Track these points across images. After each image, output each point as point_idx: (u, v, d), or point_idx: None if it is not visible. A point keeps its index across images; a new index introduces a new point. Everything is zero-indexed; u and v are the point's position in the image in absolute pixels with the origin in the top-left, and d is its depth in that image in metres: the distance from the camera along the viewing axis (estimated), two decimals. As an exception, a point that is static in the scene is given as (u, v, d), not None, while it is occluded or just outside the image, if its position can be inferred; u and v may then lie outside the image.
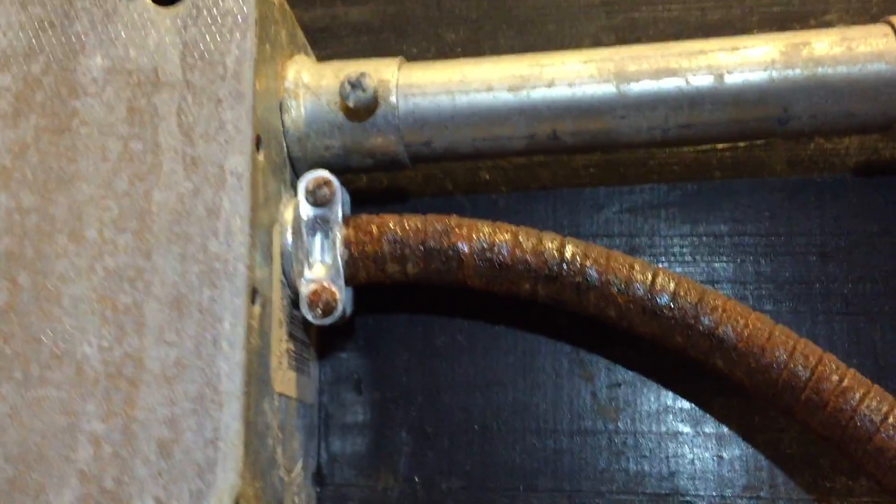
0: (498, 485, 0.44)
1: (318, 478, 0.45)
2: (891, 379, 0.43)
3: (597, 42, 0.49)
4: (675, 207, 0.47)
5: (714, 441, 0.44)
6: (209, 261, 0.35)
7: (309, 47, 0.47)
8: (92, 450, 0.34)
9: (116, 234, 0.36)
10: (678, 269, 0.46)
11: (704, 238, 0.46)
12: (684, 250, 0.46)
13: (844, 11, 0.48)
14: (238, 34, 0.38)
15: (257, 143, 0.38)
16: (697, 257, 0.46)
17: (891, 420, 0.36)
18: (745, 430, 0.43)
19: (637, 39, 0.49)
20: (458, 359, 0.46)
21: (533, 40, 0.50)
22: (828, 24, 0.48)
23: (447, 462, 0.45)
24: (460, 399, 0.45)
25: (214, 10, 0.38)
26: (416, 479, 0.44)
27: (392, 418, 0.45)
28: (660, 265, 0.46)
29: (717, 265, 0.46)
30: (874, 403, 0.36)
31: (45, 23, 0.39)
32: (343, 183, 0.42)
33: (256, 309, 0.36)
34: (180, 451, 0.34)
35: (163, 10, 0.39)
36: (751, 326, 0.38)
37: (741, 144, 0.47)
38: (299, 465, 0.42)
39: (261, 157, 0.38)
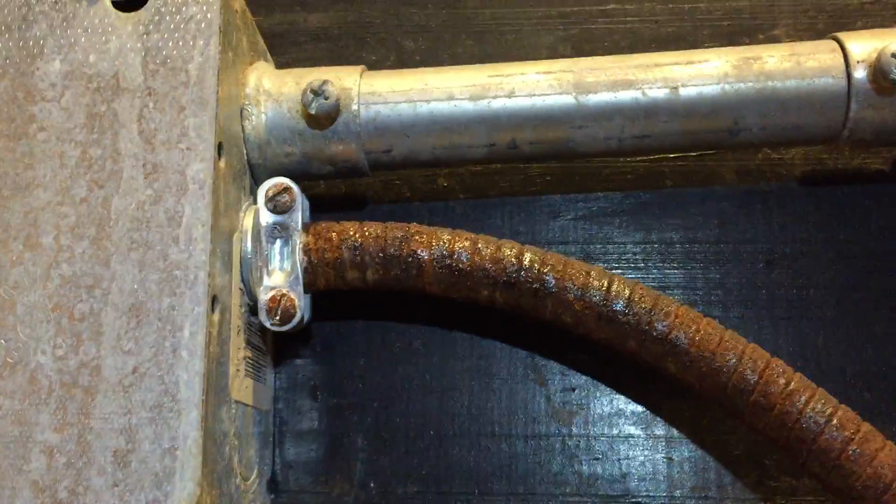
0: (453, 489, 0.44)
1: (273, 485, 0.45)
2: (833, 381, 0.44)
3: (554, 52, 0.50)
4: (629, 215, 0.48)
5: (664, 443, 0.45)
6: (169, 268, 0.35)
7: (268, 53, 0.47)
8: (45, 460, 0.34)
9: (74, 241, 0.36)
10: (631, 276, 0.47)
11: (656, 245, 0.47)
12: (637, 257, 0.47)
13: (791, 27, 0.49)
14: (201, 41, 0.38)
15: (219, 149, 0.38)
16: (650, 264, 0.47)
17: (834, 422, 0.37)
18: (694, 433, 0.45)
19: (593, 51, 0.50)
20: (414, 364, 0.46)
21: (491, 50, 0.50)
22: (776, 39, 0.49)
23: (403, 467, 0.45)
24: (416, 404, 0.46)
25: (178, 16, 0.38)
26: (372, 485, 0.45)
27: (348, 424, 0.46)
28: (614, 271, 0.47)
29: (668, 271, 0.47)
30: (819, 406, 0.38)
31: (2, 26, 0.38)
32: (301, 189, 0.42)
33: (216, 317, 0.36)
34: (137, 461, 0.33)
35: (124, 16, 0.38)
36: (702, 332, 0.39)
37: (692, 154, 0.48)
38: (255, 472, 0.42)
39: (222, 164, 0.38)
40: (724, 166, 0.48)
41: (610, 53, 0.48)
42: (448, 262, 0.41)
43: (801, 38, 0.49)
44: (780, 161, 0.48)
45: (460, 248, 0.41)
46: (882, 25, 0.49)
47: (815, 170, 0.47)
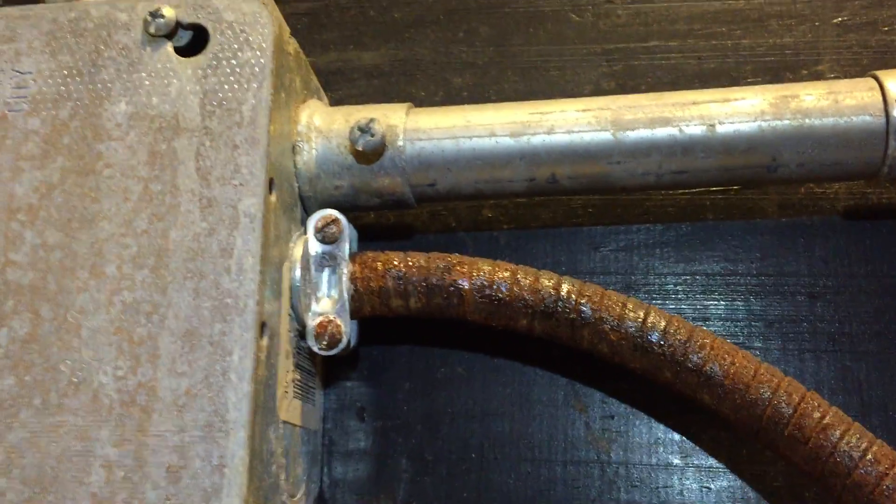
0: (494, 512, 0.46)
1: (321, 502, 0.47)
2: (875, 415, 0.44)
3: (597, 88, 0.51)
4: (670, 247, 0.48)
5: (703, 473, 0.45)
6: (221, 296, 0.38)
7: (322, 90, 0.49)
8: (104, 474, 0.36)
9: (135, 270, 0.38)
10: (671, 307, 0.47)
11: (698, 277, 0.48)
12: (678, 288, 0.48)
13: (836, 62, 0.50)
14: (255, 84, 0.40)
15: (270, 185, 0.40)
16: (691, 295, 0.48)
17: (869, 456, 0.37)
18: (733, 463, 0.45)
19: (636, 87, 0.51)
20: (458, 389, 0.48)
21: (536, 86, 0.52)
22: (819, 75, 0.50)
23: (445, 489, 0.46)
24: (459, 428, 0.47)
25: (234, 60, 0.41)
26: (415, 506, 0.46)
27: (393, 446, 0.47)
28: (654, 303, 0.48)
29: (709, 303, 0.47)
30: (854, 440, 0.38)
31: (74, 70, 0.41)
32: (351, 219, 0.44)
33: (265, 342, 0.38)
34: (188, 477, 0.36)
35: (185, 61, 0.41)
36: (737, 364, 0.40)
37: (733, 188, 0.48)
38: (302, 489, 0.44)
39: (273, 198, 0.40)
40: (765, 200, 0.48)
41: (652, 89, 0.49)
42: (488, 291, 0.42)
43: (845, 74, 0.49)
44: (822, 195, 0.48)
45: (500, 279, 0.42)
46: (928, 60, 0.49)
47: (859, 204, 0.48)
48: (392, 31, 0.54)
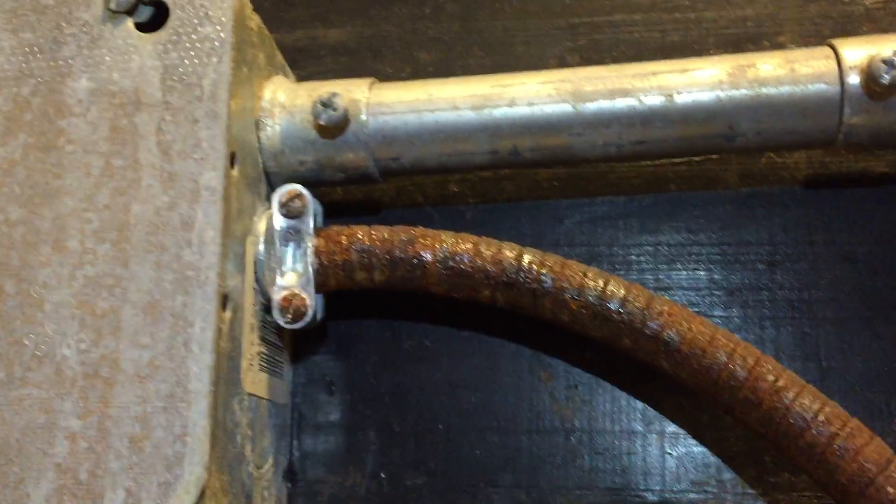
0: (460, 481, 0.46)
1: (290, 474, 0.47)
2: (833, 380, 0.45)
3: (562, 62, 0.52)
4: (633, 218, 0.49)
5: (665, 439, 0.46)
6: (182, 269, 0.38)
7: (288, 68, 0.49)
8: (68, 445, 0.37)
9: (97, 244, 0.39)
10: (635, 277, 0.48)
11: (661, 247, 0.49)
12: (641, 259, 0.49)
13: (797, 33, 0.50)
14: (215, 58, 0.41)
15: (232, 159, 0.40)
16: (654, 265, 0.48)
17: (821, 417, 0.38)
18: (695, 429, 0.46)
19: (600, 60, 0.51)
20: (425, 362, 0.49)
21: (502, 61, 0.52)
22: (781, 46, 0.50)
23: (412, 459, 0.47)
24: (426, 400, 0.48)
25: (194, 35, 0.41)
26: (383, 476, 0.47)
27: (361, 418, 0.48)
28: (618, 273, 0.48)
29: (672, 273, 0.48)
30: (807, 402, 0.39)
31: (35, 47, 0.42)
32: (318, 196, 0.45)
33: (227, 314, 0.39)
34: (151, 446, 0.36)
35: (145, 36, 0.42)
36: (694, 330, 0.40)
37: (696, 158, 0.49)
38: (270, 461, 0.44)
39: (235, 172, 0.41)
40: (727, 170, 0.49)
41: (617, 62, 0.49)
42: (450, 263, 0.43)
43: (806, 45, 0.50)
44: (783, 164, 0.49)
45: (462, 251, 0.43)
46: (886, 30, 0.49)
47: (818, 173, 0.48)
48: (358, 7, 0.55)
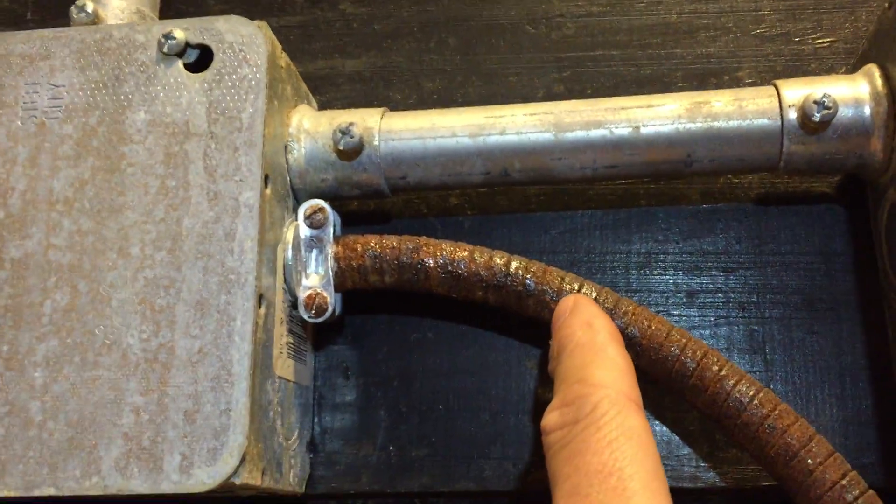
0: (457, 453, 0.53)
1: (312, 446, 0.55)
2: (776, 370, 0.52)
3: (549, 91, 0.59)
4: (609, 229, 0.56)
5: (632, 421, 0.53)
6: (226, 273, 0.46)
7: (311, 95, 0.57)
8: (133, 417, 0.44)
9: (154, 251, 0.46)
10: (609, 281, 0.55)
11: (632, 255, 0.55)
12: (615, 265, 0.56)
13: (754, 69, 0.57)
14: (252, 95, 0.48)
15: (265, 180, 0.48)
16: (626, 271, 0.55)
17: (755, 402, 0.45)
18: (658, 411, 0.52)
19: (582, 90, 0.58)
20: (428, 351, 0.55)
21: (497, 89, 0.59)
22: (739, 80, 0.57)
23: (416, 435, 0.54)
24: (429, 384, 0.54)
25: (234, 75, 0.48)
26: (391, 448, 0.54)
27: (373, 399, 0.55)
28: (595, 277, 0.55)
29: (641, 277, 0.55)
30: (744, 388, 0.45)
31: (100, 84, 0.49)
32: (336, 208, 0.52)
33: (262, 311, 0.47)
34: (201, 419, 0.44)
35: (193, 76, 0.49)
36: (653, 328, 0.47)
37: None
38: (295, 434, 0.52)
39: (268, 190, 0.48)
40: (690, 188, 0.56)
41: (597, 92, 0.57)
42: (449, 268, 0.50)
43: (761, 80, 0.57)
44: (737, 184, 0.55)
45: (459, 258, 0.50)
46: (831, 67, 0.56)
47: (768, 192, 0.55)
48: (372, 41, 0.62)
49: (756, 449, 0.45)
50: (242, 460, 0.43)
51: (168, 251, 0.46)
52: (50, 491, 0.44)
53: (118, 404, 0.44)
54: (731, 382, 0.46)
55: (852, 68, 0.52)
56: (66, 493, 0.43)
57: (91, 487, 0.43)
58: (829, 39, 0.57)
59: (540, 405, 0.54)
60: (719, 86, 0.57)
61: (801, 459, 0.44)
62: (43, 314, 0.46)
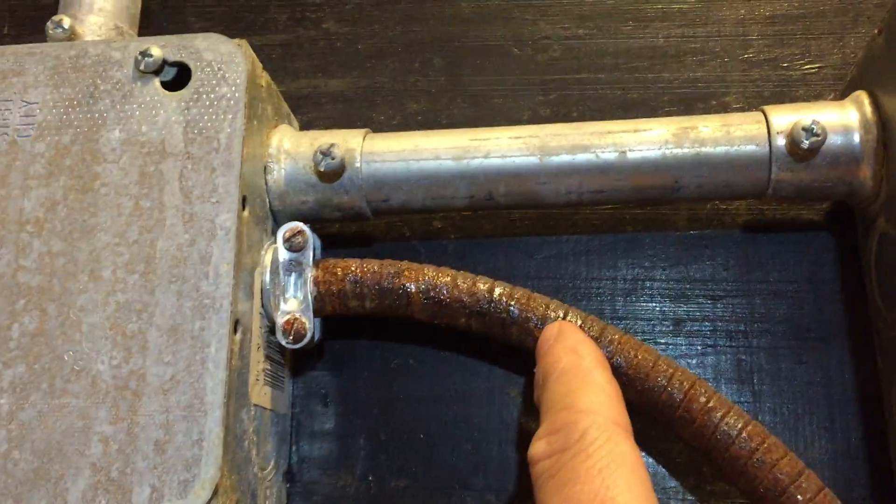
0: (439, 483, 0.52)
1: (289, 476, 0.53)
2: (765, 402, 0.51)
3: (535, 114, 0.58)
4: (595, 255, 0.55)
5: (617, 452, 0.52)
6: (200, 298, 0.44)
7: (292, 115, 0.56)
8: (102, 447, 0.42)
9: (127, 274, 0.45)
10: (595, 307, 0.54)
11: (618, 281, 0.55)
12: (601, 291, 0.55)
13: (741, 94, 0.57)
14: (230, 115, 0.47)
15: (243, 202, 0.47)
16: (612, 297, 0.55)
17: (744, 434, 0.44)
18: (645, 442, 0.51)
19: (568, 113, 0.58)
20: (409, 378, 0.54)
21: (482, 111, 0.59)
22: (727, 105, 0.57)
23: (397, 464, 0.53)
24: (410, 412, 0.53)
25: (212, 94, 0.47)
26: (371, 478, 0.53)
27: (352, 427, 0.54)
28: (580, 304, 0.54)
29: (627, 304, 0.54)
30: (732, 421, 0.45)
31: (74, 101, 0.48)
32: (316, 231, 0.51)
33: (238, 336, 0.45)
34: (173, 449, 0.42)
35: (170, 94, 0.48)
36: (639, 357, 0.46)
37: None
38: (272, 464, 0.51)
39: (246, 213, 0.47)
40: (677, 214, 0.55)
41: (583, 116, 0.56)
42: (432, 294, 0.49)
43: (749, 105, 0.56)
44: (725, 211, 0.55)
45: (441, 283, 0.49)
46: (820, 93, 0.56)
47: (756, 219, 0.55)
48: (356, 61, 0.61)
49: (745, 483, 0.44)
50: (215, 493, 0.42)
51: (141, 274, 0.45)
52: (13, 523, 0.42)
53: (86, 433, 0.43)
54: (719, 415, 0.45)
55: (841, 95, 0.51)
56: (30, 525, 0.42)
57: (56, 520, 0.42)
58: (817, 65, 0.57)
59: (524, 434, 0.53)
60: (706, 110, 0.56)
61: (791, 496, 0.43)
62: (10, 338, 0.45)
